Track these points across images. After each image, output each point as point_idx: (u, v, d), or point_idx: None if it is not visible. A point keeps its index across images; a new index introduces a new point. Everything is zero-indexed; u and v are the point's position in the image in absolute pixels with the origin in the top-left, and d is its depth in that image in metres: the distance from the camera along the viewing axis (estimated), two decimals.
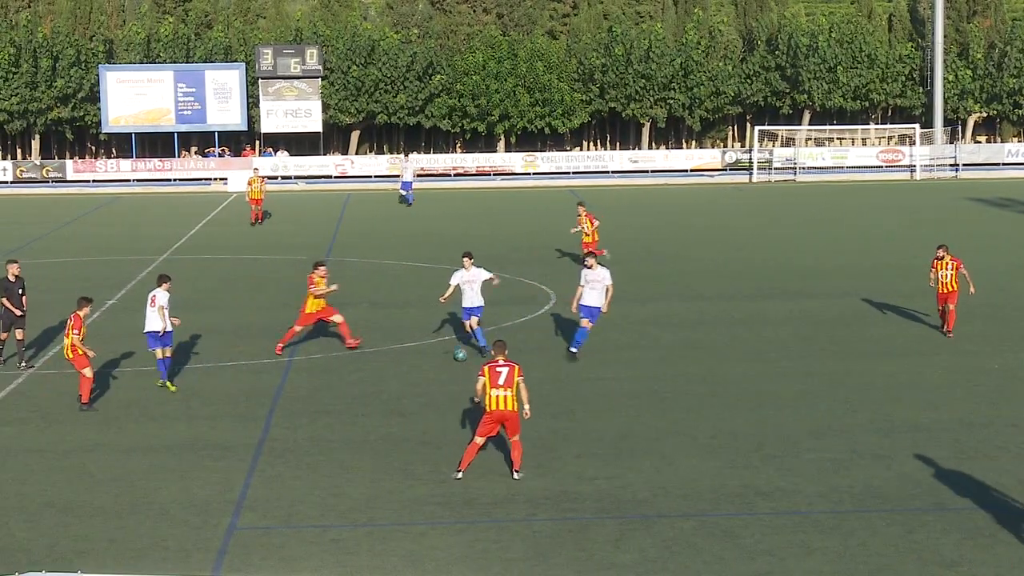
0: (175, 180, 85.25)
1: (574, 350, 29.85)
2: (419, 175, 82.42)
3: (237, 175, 79.37)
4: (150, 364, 29.36)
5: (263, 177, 63.05)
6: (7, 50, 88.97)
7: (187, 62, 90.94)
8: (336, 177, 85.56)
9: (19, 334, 29.88)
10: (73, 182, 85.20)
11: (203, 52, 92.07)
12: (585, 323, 29.80)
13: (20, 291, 30.04)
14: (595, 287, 29.75)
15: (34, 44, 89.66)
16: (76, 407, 25.94)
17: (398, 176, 75.13)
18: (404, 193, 69.35)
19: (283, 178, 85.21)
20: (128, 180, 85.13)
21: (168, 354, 27.63)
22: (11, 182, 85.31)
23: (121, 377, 28.61)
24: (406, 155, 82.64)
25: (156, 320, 27.22)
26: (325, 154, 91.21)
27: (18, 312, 29.76)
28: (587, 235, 43.30)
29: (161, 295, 27.46)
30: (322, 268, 30.54)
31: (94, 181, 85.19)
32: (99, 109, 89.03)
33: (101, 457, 22.57)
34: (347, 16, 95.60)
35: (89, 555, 17.63)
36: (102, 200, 75.86)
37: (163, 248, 50.71)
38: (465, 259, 31.07)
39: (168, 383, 27.50)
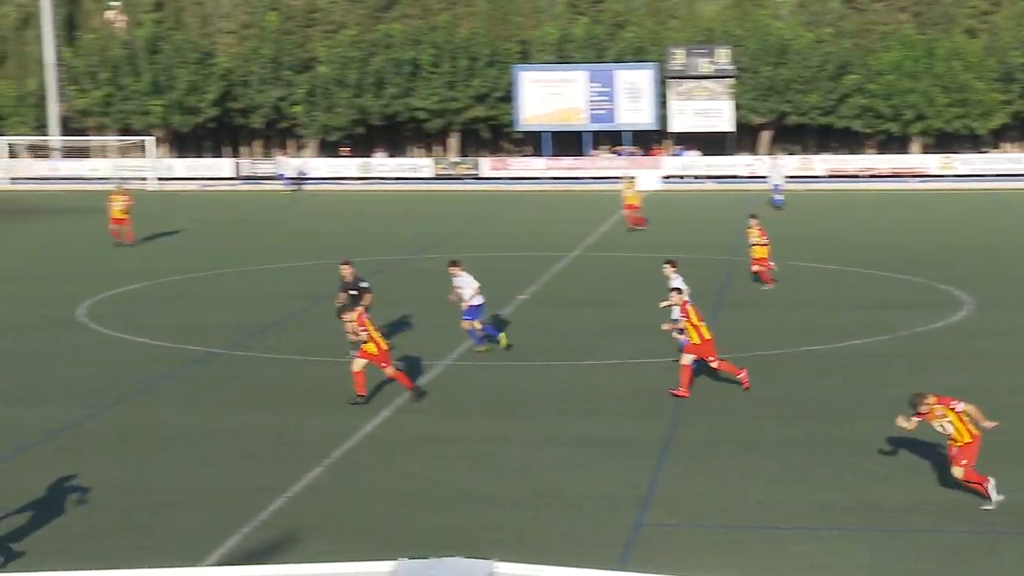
0: (585, 178, 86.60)
1: None
2: (831, 176, 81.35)
3: (645, 174, 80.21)
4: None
5: (637, 181, 62.98)
6: (428, 51, 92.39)
7: (599, 62, 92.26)
8: (745, 177, 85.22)
9: None
10: (486, 179, 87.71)
11: (615, 52, 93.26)
12: None
13: (352, 291, 30.97)
14: None
15: (453, 45, 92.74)
16: (486, 399, 26.70)
17: (795, 177, 73.89)
18: (775, 197, 67.02)
19: (694, 177, 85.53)
20: (539, 178, 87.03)
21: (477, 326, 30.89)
22: (432, 178, 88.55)
23: (522, 370, 29.18)
24: (775, 157, 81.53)
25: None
26: (734, 154, 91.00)
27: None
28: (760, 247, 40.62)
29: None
30: None
31: (507, 178, 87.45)
32: (513, 108, 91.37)
33: (509, 449, 23.12)
34: (759, 15, 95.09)
35: (500, 544, 18.07)
36: (514, 197, 77.72)
37: (572, 245, 51.54)
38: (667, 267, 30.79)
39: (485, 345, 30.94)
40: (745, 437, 23.65)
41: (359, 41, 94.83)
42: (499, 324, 32.92)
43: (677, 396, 26.11)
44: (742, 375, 26.79)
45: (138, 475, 21.78)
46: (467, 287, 30.94)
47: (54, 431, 24.67)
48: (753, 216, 42.06)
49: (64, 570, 8.00)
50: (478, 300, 30.89)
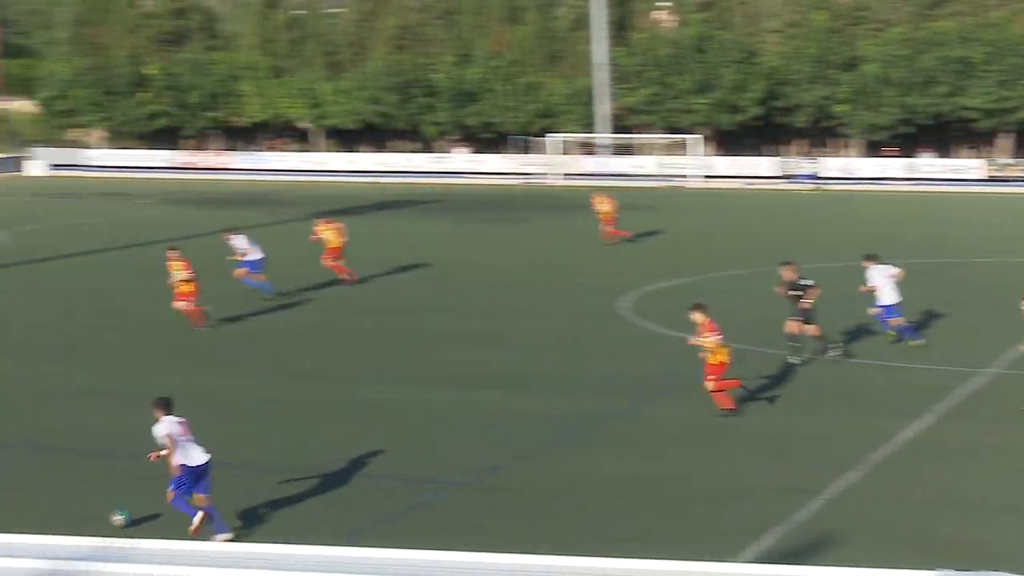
0: None
1: None
2: None
3: None
4: None
5: None
6: (981, 49, 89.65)
7: None
8: None
9: (809, 330, 30.34)
10: None
11: None
12: None
13: (793, 291, 30.29)
14: None
15: (1007, 42, 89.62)
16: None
17: None
18: None
19: None
20: None
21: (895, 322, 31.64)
22: (982, 180, 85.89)
23: None
24: None
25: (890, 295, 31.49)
26: None
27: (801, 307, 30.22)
28: None
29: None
30: None
31: None
32: None
33: None
34: None
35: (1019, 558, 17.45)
36: None
37: None
38: None
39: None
40: None
41: (908, 39, 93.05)
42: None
43: None
44: None
45: (675, 468, 22.29)
46: (881, 283, 31.61)
47: (594, 421, 25.53)
48: None
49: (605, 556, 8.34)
50: (891, 299, 31.51)
